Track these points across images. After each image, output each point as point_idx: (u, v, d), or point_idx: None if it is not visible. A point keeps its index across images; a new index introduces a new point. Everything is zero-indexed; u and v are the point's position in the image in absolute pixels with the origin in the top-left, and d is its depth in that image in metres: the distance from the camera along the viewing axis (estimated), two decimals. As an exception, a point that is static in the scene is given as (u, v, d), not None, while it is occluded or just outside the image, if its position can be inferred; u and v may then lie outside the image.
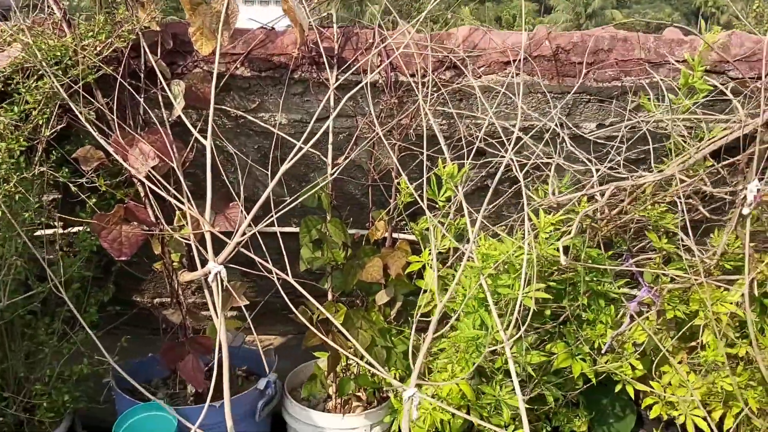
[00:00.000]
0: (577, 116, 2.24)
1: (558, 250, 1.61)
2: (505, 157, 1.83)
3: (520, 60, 2.04)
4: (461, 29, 2.20)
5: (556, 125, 2.15)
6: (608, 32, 2.22)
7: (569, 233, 1.70)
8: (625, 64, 2.15)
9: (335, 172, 1.97)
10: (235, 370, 2.60)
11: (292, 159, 1.84)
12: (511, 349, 1.85)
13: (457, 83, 2.12)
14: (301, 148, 1.77)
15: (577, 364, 1.97)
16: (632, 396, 2.07)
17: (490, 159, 2.17)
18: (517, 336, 1.58)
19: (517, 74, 2.10)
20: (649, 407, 2.12)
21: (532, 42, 2.15)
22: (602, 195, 1.90)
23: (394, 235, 2.29)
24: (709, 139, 1.75)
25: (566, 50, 2.16)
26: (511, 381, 2.03)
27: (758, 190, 1.70)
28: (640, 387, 2.07)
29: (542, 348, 2.04)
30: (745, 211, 1.73)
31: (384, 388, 2.27)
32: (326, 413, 2.35)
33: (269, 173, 1.96)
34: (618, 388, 2.08)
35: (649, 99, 2.06)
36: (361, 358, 2.20)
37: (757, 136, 1.68)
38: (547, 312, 2.03)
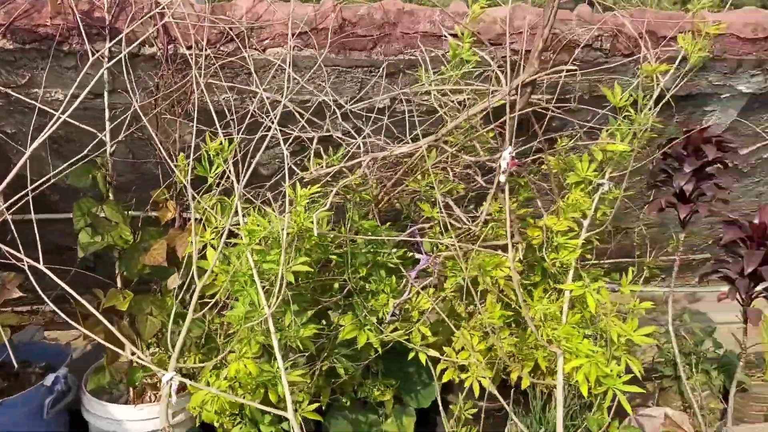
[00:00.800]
0: (369, 90, 2.33)
1: (313, 222, 1.68)
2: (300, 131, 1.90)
3: (290, 34, 2.09)
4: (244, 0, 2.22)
5: (349, 101, 2.23)
6: (396, 5, 2.32)
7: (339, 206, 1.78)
8: (410, 38, 2.26)
9: (89, 148, 1.95)
10: (30, 367, 2.53)
11: (48, 131, 1.82)
12: (288, 325, 1.94)
13: (239, 56, 2.15)
14: (57, 121, 1.75)
15: (363, 335, 2.08)
16: (424, 363, 2.20)
17: (299, 135, 2.21)
18: (274, 307, 1.64)
19: (299, 48, 2.16)
20: (444, 372, 2.26)
21: (318, 14, 2.21)
22: (388, 168, 2.01)
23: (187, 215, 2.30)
24: (467, 110, 1.88)
25: (353, 23, 2.24)
26: (300, 356, 2.13)
27: (511, 157, 1.85)
28: (432, 353, 2.21)
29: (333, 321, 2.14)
30: (501, 178, 1.88)
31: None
32: (125, 405, 2.34)
33: (38, 152, 1.91)
34: (411, 356, 2.21)
35: (433, 72, 2.18)
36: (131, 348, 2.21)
37: (506, 105, 1.83)
38: (336, 285, 2.13)
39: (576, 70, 1.92)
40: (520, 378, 2.35)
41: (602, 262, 2.52)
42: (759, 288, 1.98)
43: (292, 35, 2.17)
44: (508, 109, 1.80)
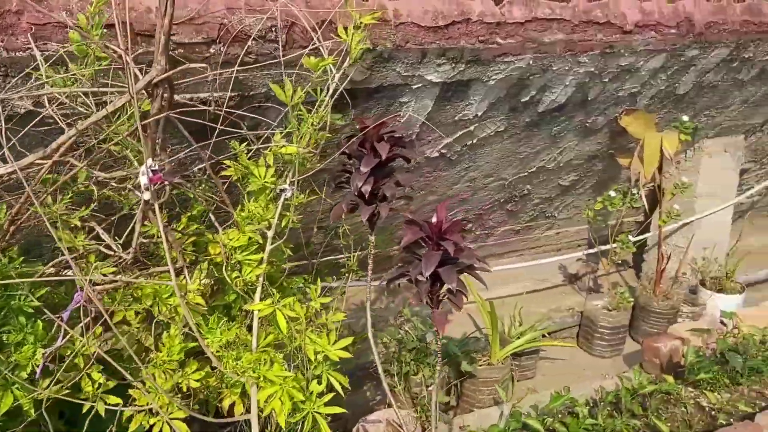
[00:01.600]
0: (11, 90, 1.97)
1: None
2: None
3: None
4: None
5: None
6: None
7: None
8: (42, 29, 1.93)
9: None
10: None
11: None
12: None
13: None
14: None
15: (9, 396, 1.75)
16: (102, 414, 1.92)
17: None
18: None
19: None
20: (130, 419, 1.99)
21: None
22: None
23: None
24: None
25: (-42, 14, 1.86)
26: None
27: (153, 172, 1.61)
28: (113, 400, 1.93)
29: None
30: (146, 196, 1.64)
31: None
32: None
33: None
34: (86, 408, 1.91)
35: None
36: None
37: (135, 110, 1.57)
38: (-33, 342, 1.77)
39: (205, 67, 1.73)
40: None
41: (300, 263, 2.41)
42: (443, 290, 1.94)
43: None
44: (136, 113, 1.56)
